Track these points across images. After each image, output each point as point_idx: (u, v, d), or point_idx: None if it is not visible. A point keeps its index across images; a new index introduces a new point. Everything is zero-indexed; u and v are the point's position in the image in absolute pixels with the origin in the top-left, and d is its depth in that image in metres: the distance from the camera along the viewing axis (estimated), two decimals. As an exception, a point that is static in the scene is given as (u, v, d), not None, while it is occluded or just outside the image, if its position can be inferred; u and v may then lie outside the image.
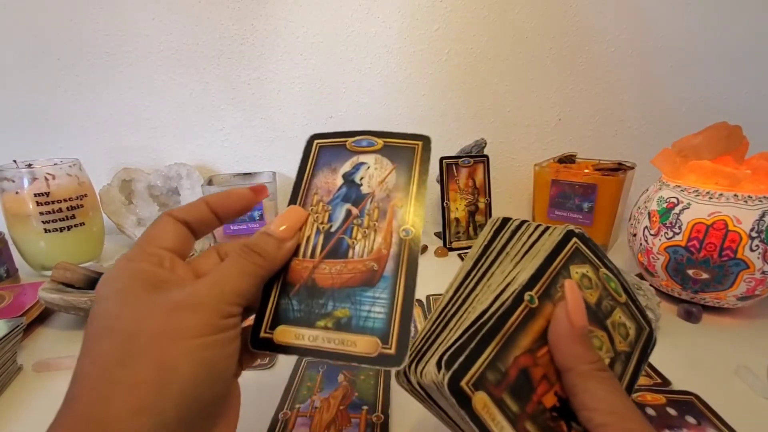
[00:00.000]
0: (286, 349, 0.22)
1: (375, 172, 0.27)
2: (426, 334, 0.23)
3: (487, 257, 0.25)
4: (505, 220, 0.27)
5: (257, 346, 0.22)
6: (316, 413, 0.33)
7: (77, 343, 0.44)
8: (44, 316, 0.49)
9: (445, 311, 0.24)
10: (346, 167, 0.27)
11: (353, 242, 0.24)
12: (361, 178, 0.27)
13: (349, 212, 0.26)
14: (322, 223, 0.25)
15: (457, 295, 0.24)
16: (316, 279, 0.24)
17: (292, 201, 0.26)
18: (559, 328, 0.21)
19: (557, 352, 0.21)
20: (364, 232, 0.25)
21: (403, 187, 0.26)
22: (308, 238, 0.25)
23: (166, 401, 0.17)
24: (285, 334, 0.22)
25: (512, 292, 0.21)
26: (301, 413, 0.33)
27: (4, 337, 0.38)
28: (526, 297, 0.21)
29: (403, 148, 0.27)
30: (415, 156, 0.27)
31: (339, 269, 0.24)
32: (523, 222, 0.26)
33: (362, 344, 0.22)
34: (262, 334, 0.23)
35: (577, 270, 0.24)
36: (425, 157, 0.27)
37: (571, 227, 0.25)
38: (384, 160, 0.27)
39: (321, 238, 0.25)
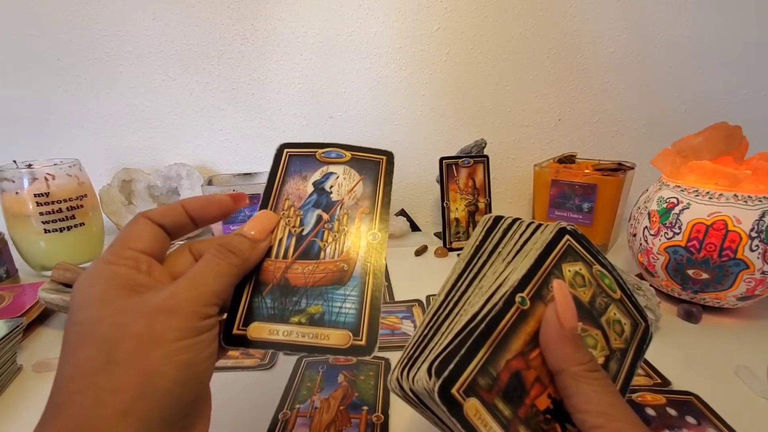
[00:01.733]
0: (261, 344, 0.23)
1: (344, 181, 0.29)
2: (418, 338, 0.23)
3: (479, 257, 0.25)
4: (497, 219, 0.26)
5: (230, 342, 0.23)
6: (316, 413, 0.33)
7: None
8: (44, 316, 0.49)
9: (437, 315, 0.23)
10: (316, 176, 0.29)
11: (324, 245, 0.26)
12: (331, 187, 0.29)
13: (320, 217, 0.27)
14: (293, 226, 0.27)
15: (449, 297, 0.24)
16: (289, 278, 0.25)
17: (263, 206, 0.28)
18: (549, 329, 0.21)
19: (548, 354, 0.21)
20: (335, 235, 0.27)
21: (370, 196, 0.28)
22: (280, 240, 0.26)
23: (149, 404, 0.17)
24: (259, 330, 0.23)
25: (503, 294, 0.21)
26: (301, 413, 0.33)
27: (4, 337, 0.38)
28: (518, 299, 0.21)
29: (369, 161, 0.30)
30: (380, 169, 0.30)
31: (311, 269, 0.25)
32: (515, 220, 0.26)
33: (335, 337, 0.23)
34: (235, 331, 0.23)
35: (569, 268, 0.24)
36: (389, 170, 0.30)
37: (563, 224, 0.24)
38: (352, 171, 0.29)
39: (293, 240, 0.26)
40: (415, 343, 0.23)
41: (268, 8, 0.73)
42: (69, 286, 0.48)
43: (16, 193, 0.57)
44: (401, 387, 0.21)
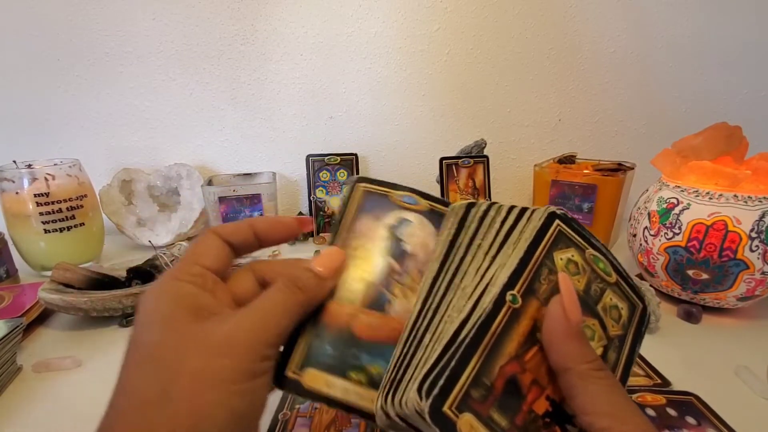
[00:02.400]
0: (316, 397, 0.21)
1: (418, 232, 0.26)
2: (398, 359, 0.21)
3: (455, 254, 0.22)
4: (470, 206, 0.24)
5: (281, 384, 0.21)
6: (316, 414, 0.33)
7: (77, 343, 0.44)
8: (44, 316, 0.49)
9: (416, 328, 0.21)
10: (391, 220, 0.26)
11: (393, 298, 0.24)
12: (405, 235, 0.26)
13: (391, 267, 0.25)
14: (363, 270, 0.25)
15: (427, 306, 0.22)
16: (353, 327, 0.23)
17: (333, 240, 0.25)
18: (554, 324, 0.20)
19: (552, 351, 0.20)
20: (404, 290, 0.24)
21: None
22: (347, 282, 0.24)
23: None
24: (315, 379, 0.21)
25: (493, 296, 0.19)
26: (301, 413, 0.33)
27: (4, 337, 0.38)
28: (509, 297, 0.19)
29: (443, 215, 0.27)
30: None
31: (377, 323, 0.23)
32: (490, 205, 0.23)
33: None
34: (288, 373, 0.21)
35: (561, 256, 0.22)
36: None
37: (553, 209, 0.22)
38: (427, 222, 0.27)
39: (361, 286, 0.24)
40: (395, 365, 0.21)
41: (268, 8, 0.73)
42: (69, 286, 0.48)
43: (16, 193, 0.57)
44: (387, 415, 0.19)
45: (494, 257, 0.21)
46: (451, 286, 0.22)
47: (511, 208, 0.23)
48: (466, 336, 0.19)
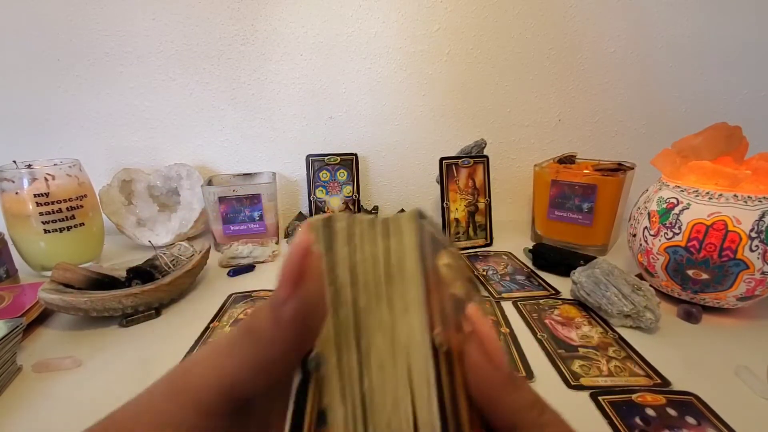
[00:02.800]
0: None
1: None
2: None
3: (344, 310, 0.16)
4: (327, 224, 0.17)
5: None
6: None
7: (77, 343, 0.44)
8: (44, 316, 0.49)
9: None
10: None
11: None
12: None
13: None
14: None
15: (348, 417, 0.15)
16: None
17: None
18: (482, 379, 0.15)
19: (491, 411, 0.16)
20: None
21: None
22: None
23: None
24: None
25: (423, 357, 0.15)
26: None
27: (4, 337, 0.38)
28: (437, 341, 0.15)
29: None
30: None
31: None
32: (350, 221, 0.17)
33: None
34: None
35: (441, 262, 0.17)
36: None
37: (415, 210, 0.17)
38: None
39: None
40: None
41: (268, 8, 0.73)
42: (69, 286, 0.48)
43: (16, 193, 0.57)
44: None
45: (390, 298, 0.16)
46: (363, 367, 0.15)
47: (372, 220, 0.17)
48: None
